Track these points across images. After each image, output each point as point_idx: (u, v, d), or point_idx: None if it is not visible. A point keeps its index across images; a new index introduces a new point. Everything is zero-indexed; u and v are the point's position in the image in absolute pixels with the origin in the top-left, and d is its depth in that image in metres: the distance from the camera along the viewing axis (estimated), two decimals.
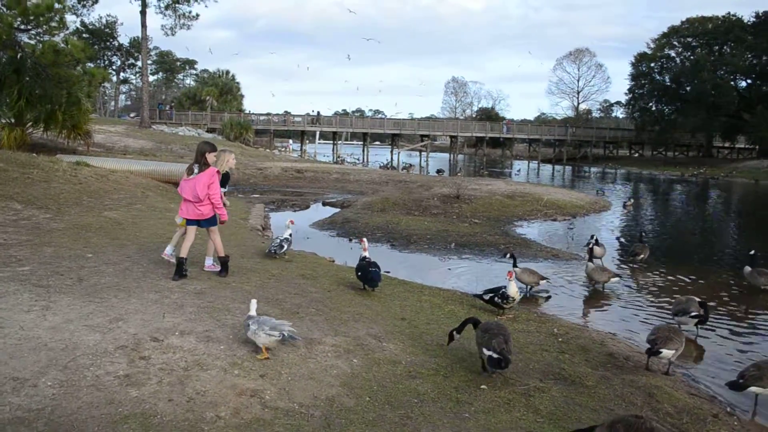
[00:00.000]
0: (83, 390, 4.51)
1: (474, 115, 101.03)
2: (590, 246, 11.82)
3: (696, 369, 7.41)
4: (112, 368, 4.90)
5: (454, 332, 6.23)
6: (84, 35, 68.47)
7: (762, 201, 35.84)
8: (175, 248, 8.26)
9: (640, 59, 75.19)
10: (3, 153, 15.63)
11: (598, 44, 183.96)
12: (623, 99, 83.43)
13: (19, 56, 19.95)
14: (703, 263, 14.26)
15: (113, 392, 4.53)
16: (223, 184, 8.40)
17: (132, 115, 69.07)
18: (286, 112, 68.00)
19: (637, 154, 77.63)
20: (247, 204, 18.47)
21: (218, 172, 7.99)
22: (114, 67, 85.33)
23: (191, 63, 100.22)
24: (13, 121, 20.44)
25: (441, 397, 5.24)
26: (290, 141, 70.04)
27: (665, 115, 73.24)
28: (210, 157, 7.85)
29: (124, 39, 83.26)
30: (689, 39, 71.76)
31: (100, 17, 79.46)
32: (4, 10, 21.25)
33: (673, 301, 9.24)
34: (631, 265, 13.26)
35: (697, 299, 8.43)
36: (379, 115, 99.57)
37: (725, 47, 68.97)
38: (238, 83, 72.12)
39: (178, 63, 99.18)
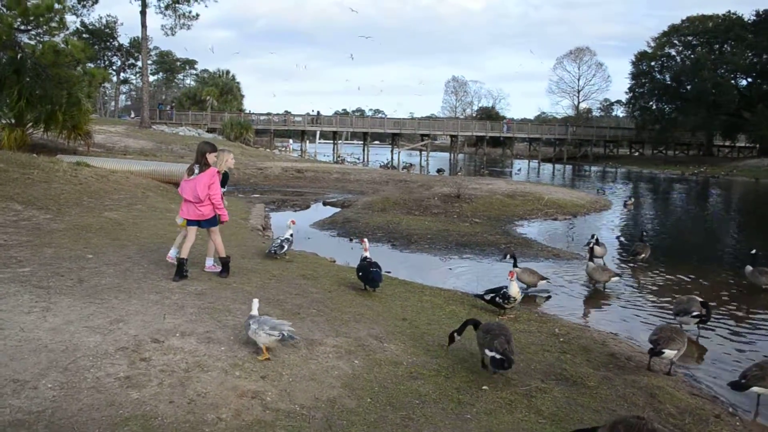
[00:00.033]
0: (84, 392, 4.50)
1: (474, 115, 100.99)
2: (591, 246, 11.80)
3: (697, 369, 7.40)
4: (112, 370, 4.88)
5: (455, 334, 6.21)
6: (84, 35, 68.50)
7: (762, 200, 35.82)
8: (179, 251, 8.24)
9: (641, 58, 75.18)
10: (3, 153, 15.62)
11: (599, 43, 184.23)
12: (623, 98, 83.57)
13: (19, 57, 19.94)
14: (704, 262, 14.24)
15: (114, 394, 4.52)
16: (222, 184, 8.39)
17: (132, 115, 69.08)
18: (286, 111, 68.01)
19: (637, 153, 77.64)
20: (248, 204, 18.46)
21: (219, 172, 7.98)
22: (114, 68, 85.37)
23: (191, 63, 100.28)
24: (13, 121, 20.42)
25: (442, 398, 5.22)
26: (290, 141, 70.02)
27: (665, 114, 73.23)
28: (210, 157, 7.84)
29: (124, 39, 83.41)
30: (690, 37, 71.74)
31: (100, 17, 79.52)
32: (4, 10, 21.24)
33: (674, 300, 9.22)
34: (632, 264, 13.24)
35: (699, 299, 8.41)
36: (380, 115, 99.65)
37: (726, 46, 68.95)
38: (238, 83, 72.20)
39: (178, 63, 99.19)
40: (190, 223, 7.89)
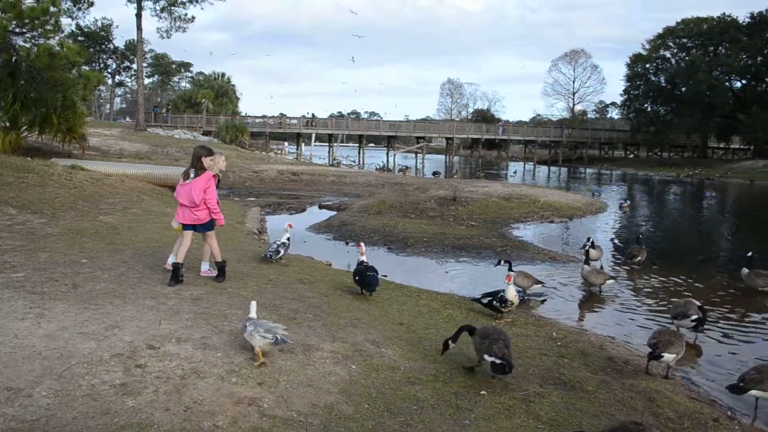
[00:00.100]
0: (78, 400, 4.46)
1: (470, 117, 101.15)
2: (586, 249, 11.79)
3: (694, 372, 7.37)
4: (107, 377, 4.84)
5: (449, 341, 6.13)
6: (79, 38, 68.42)
7: (757, 201, 35.91)
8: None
9: (636, 60, 75.42)
10: None
11: (594, 45, 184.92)
12: (618, 100, 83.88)
13: (14, 59, 19.88)
14: (700, 265, 14.25)
15: (109, 402, 4.47)
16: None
17: (127, 119, 68.98)
18: (281, 114, 67.99)
19: (632, 155, 77.81)
20: (243, 207, 18.40)
21: (215, 176, 7.94)
22: (109, 70, 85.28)
23: (186, 65, 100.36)
24: (7, 124, 20.36)
25: (440, 404, 5.19)
26: (285, 143, 70.05)
27: (660, 116, 73.48)
28: (206, 161, 7.81)
29: (119, 42, 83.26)
30: (684, 40, 71.98)
31: (96, 20, 79.50)
32: (0, 13, 21.17)
33: (671, 304, 9.21)
34: (628, 267, 13.23)
35: (696, 302, 8.40)
36: (375, 117, 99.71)
37: (720, 48, 69.20)
38: (233, 86, 72.14)
39: (174, 66, 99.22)
40: (185, 227, 7.86)
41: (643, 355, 7.01)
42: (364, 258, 8.52)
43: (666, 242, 18.26)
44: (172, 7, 47.50)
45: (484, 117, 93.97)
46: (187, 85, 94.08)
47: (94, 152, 27.77)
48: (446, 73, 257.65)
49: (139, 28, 45.08)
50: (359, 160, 60.00)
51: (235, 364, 5.33)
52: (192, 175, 7.75)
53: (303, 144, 63.67)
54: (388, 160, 57.80)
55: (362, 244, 9.28)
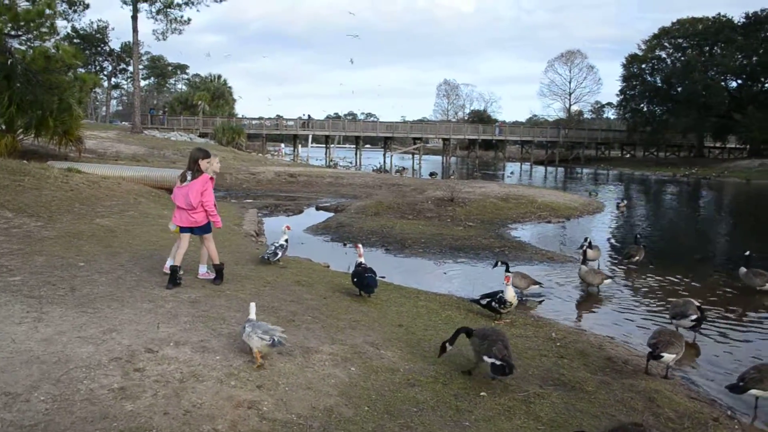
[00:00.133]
0: (77, 404, 4.43)
1: (466, 118, 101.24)
2: (584, 249, 11.79)
3: (694, 372, 7.37)
4: (106, 381, 4.81)
5: (446, 344, 6.09)
6: (75, 40, 68.23)
7: (754, 201, 35.98)
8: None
9: (632, 60, 75.59)
10: None
11: (590, 46, 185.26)
12: (615, 100, 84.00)
13: (9, 62, 19.84)
14: (698, 264, 14.26)
15: (108, 406, 4.45)
16: None
17: (125, 123, 68.85)
18: (278, 116, 67.93)
19: (629, 155, 78.00)
20: (241, 209, 18.36)
21: (212, 178, 7.92)
22: (105, 73, 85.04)
23: (183, 68, 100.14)
24: (3, 127, 20.30)
25: (440, 406, 5.18)
26: (282, 145, 69.94)
27: (657, 116, 73.71)
28: (203, 163, 7.79)
29: (115, 44, 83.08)
30: (680, 40, 72.16)
31: (91, 22, 79.20)
32: None
33: (670, 303, 9.21)
34: (626, 266, 13.24)
35: (695, 301, 8.40)
36: (372, 118, 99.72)
37: (716, 48, 69.35)
38: (230, 88, 71.96)
39: (170, 68, 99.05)
40: (183, 230, 7.83)
41: (642, 354, 7.01)
42: (362, 260, 8.50)
43: (663, 242, 18.28)
44: (168, 9, 47.51)
45: (480, 118, 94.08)
46: (184, 87, 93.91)
47: (91, 155, 27.72)
48: (442, 74, 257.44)
49: (134, 30, 45.08)
50: (356, 162, 60.00)
51: (234, 367, 5.31)
52: (189, 178, 7.73)
53: (300, 145, 63.62)
54: (385, 162, 57.77)
55: (360, 245, 9.27)
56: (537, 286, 10.08)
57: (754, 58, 65.47)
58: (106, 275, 7.89)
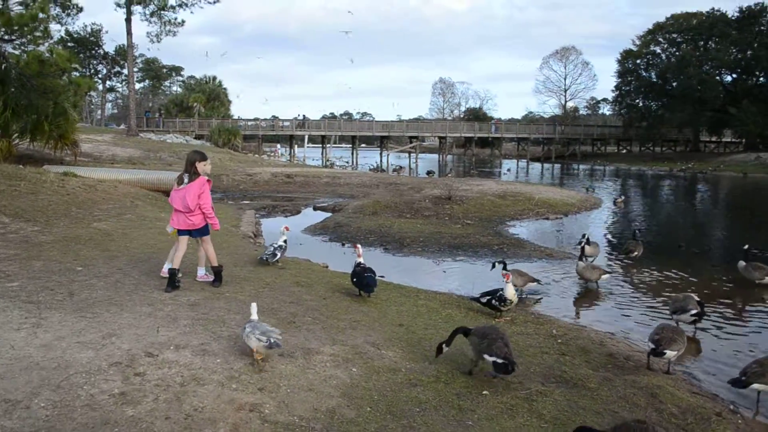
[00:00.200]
0: (77, 410, 4.40)
1: (462, 116, 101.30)
2: (582, 245, 11.79)
3: (695, 366, 7.35)
4: (106, 386, 4.78)
5: (443, 345, 6.04)
6: (69, 44, 68.20)
7: (751, 194, 36.03)
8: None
9: (626, 56, 75.76)
10: None
11: (584, 42, 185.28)
12: (610, 96, 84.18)
13: (3, 67, 19.77)
14: (697, 258, 14.26)
15: (108, 411, 4.42)
16: None
17: (122, 126, 68.76)
18: (274, 116, 67.90)
19: (625, 151, 78.15)
20: (238, 211, 18.32)
21: (209, 180, 7.89)
22: (100, 76, 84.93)
23: (177, 70, 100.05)
24: None
25: (443, 405, 5.16)
26: (278, 146, 69.91)
27: (652, 111, 73.89)
28: (200, 166, 7.76)
29: (109, 47, 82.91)
30: (674, 35, 72.35)
31: (85, 26, 79.27)
32: None
33: (670, 298, 9.20)
34: (624, 262, 13.24)
35: (695, 296, 8.39)
36: (368, 118, 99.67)
37: (710, 42, 69.56)
38: (225, 89, 71.87)
39: (165, 70, 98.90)
40: (180, 232, 7.80)
41: (644, 350, 6.99)
42: (361, 260, 8.47)
43: (662, 237, 18.29)
44: (162, 12, 47.32)
45: (476, 115, 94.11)
46: (179, 89, 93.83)
47: (87, 158, 27.64)
48: (438, 73, 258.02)
49: (129, 32, 44.93)
50: (353, 161, 59.97)
51: (235, 370, 5.28)
52: (186, 180, 7.70)
53: (296, 146, 63.57)
54: (381, 161, 57.75)
55: (359, 245, 9.24)
56: (535, 283, 10.07)
57: (749, 52, 65.71)
58: (104, 279, 7.86)
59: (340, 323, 6.98)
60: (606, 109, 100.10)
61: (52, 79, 21.79)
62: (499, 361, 5.55)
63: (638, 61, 75.27)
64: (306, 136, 64.29)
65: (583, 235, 12.37)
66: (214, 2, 47.82)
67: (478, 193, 21.69)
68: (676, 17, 72.32)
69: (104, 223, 12.43)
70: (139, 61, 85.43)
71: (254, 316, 5.59)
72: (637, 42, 76.73)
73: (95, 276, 8.00)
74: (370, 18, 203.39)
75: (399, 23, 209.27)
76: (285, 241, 9.78)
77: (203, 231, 7.88)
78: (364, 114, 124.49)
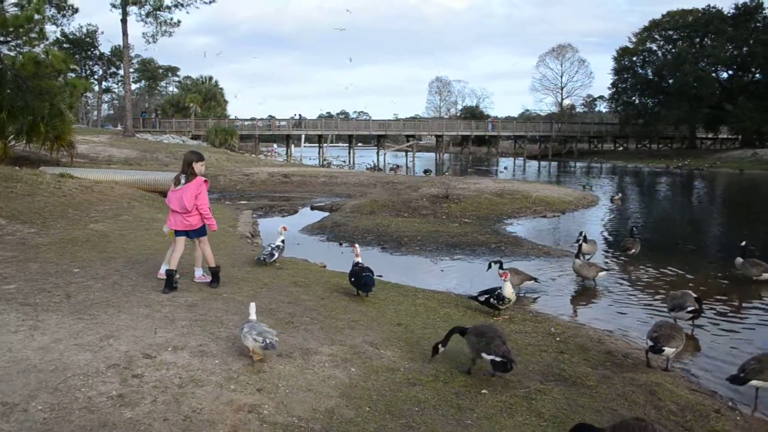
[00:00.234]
0: (75, 413, 4.38)
1: (459, 114, 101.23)
2: (579, 243, 11.80)
3: (693, 363, 7.36)
4: (104, 388, 4.77)
5: (439, 345, 6.03)
6: (65, 45, 67.95)
7: (747, 191, 36.08)
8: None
9: (623, 53, 75.78)
10: None
11: (581, 40, 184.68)
12: (606, 93, 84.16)
13: None
14: (694, 255, 14.28)
15: (107, 414, 4.40)
16: None
17: (118, 127, 68.64)
18: (270, 116, 67.84)
19: (621, 148, 78.16)
20: (235, 211, 18.28)
21: (206, 181, 7.87)
22: (96, 77, 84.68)
23: (173, 70, 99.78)
24: None
25: (442, 404, 5.15)
26: (275, 145, 69.90)
27: (648, 108, 73.97)
28: (197, 166, 7.74)
29: (105, 48, 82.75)
30: (670, 32, 72.41)
31: (81, 27, 78.93)
32: None
33: (668, 295, 9.20)
34: (622, 259, 13.25)
35: (692, 293, 8.40)
36: (364, 116, 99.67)
37: (706, 39, 69.60)
38: (221, 89, 71.82)
39: (161, 70, 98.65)
40: (178, 233, 7.79)
41: (643, 348, 7.00)
42: (359, 259, 8.46)
43: (659, 234, 18.31)
44: (158, 12, 47.25)
45: (473, 114, 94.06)
46: (175, 89, 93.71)
47: (83, 159, 27.57)
48: (434, 71, 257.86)
49: (124, 33, 44.86)
50: (350, 160, 59.96)
51: (234, 371, 5.27)
52: (183, 181, 7.69)
53: (293, 145, 63.53)
54: (378, 160, 57.73)
55: (357, 245, 9.22)
56: (532, 281, 10.05)
57: (745, 49, 65.76)
58: (101, 281, 7.84)
59: (339, 323, 6.97)
60: (602, 107, 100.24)
61: (48, 81, 21.70)
62: (498, 359, 5.55)
63: (634, 59, 75.29)
64: (303, 136, 64.28)
65: (581, 233, 12.36)
66: (210, 2, 47.71)
67: (475, 192, 21.70)
68: (672, 14, 72.37)
69: (101, 225, 12.40)
70: (135, 61, 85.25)
71: (253, 316, 5.59)
72: (634, 39, 76.84)
73: (92, 278, 7.98)
74: (368, 17, 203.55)
75: (397, 22, 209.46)
76: (282, 241, 9.76)
77: (201, 232, 7.87)
78: (361, 113, 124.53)
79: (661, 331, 6.42)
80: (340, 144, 79.71)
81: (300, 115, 63.97)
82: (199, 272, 8.29)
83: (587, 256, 12.42)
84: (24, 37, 21.71)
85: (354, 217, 17.87)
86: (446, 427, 4.77)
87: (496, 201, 20.72)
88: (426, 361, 6.06)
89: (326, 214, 19.34)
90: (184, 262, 8.30)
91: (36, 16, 21.30)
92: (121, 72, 66.20)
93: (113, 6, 44.73)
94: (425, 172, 42.64)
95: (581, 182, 35.11)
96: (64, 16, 57.12)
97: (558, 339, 7.33)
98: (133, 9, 45.73)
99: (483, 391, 5.49)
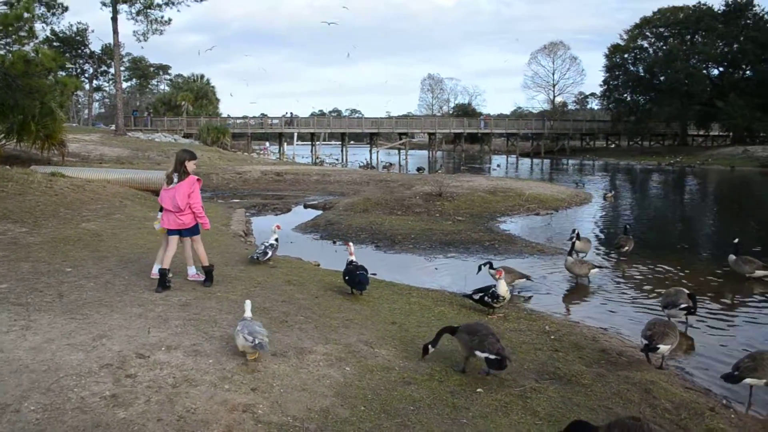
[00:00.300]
0: (68, 413, 4.34)
1: (451, 112, 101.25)
2: (572, 241, 11.81)
3: (687, 361, 7.37)
4: (97, 388, 4.73)
5: (429, 346, 6.00)
6: (55, 44, 67.49)
7: (738, 188, 36.24)
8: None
9: (614, 51, 75.99)
10: None
11: (572, 37, 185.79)
12: (598, 90, 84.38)
13: None
14: (687, 253, 14.33)
15: (100, 414, 4.37)
16: None
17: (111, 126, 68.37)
18: (262, 114, 67.69)
19: (613, 145, 78.32)
20: (228, 209, 18.22)
21: (199, 180, 7.83)
22: (86, 75, 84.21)
23: (165, 68, 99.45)
24: None
25: (437, 403, 5.14)
26: (267, 143, 69.74)
27: (640, 105, 74.18)
28: (190, 165, 7.70)
29: (95, 46, 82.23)
30: (661, 29, 72.61)
31: (71, 25, 78.48)
32: None
33: (661, 292, 9.23)
34: (616, 257, 13.27)
35: (686, 290, 8.42)
36: (357, 114, 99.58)
37: (697, 36, 69.86)
38: (213, 87, 71.67)
39: (152, 69, 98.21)
40: (170, 232, 7.74)
41: (637, 346, 7.01)
42: (353, 258, 8.44)
43: (652, 231, 18.35)
44: (148, 10, 47.02)
45: (465, 111, 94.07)
46: (166, 87, 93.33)
47: (74, 158, 27.44)
48: (426, 69, 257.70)
49: (115, 31, 44.63)
50: (342, 158, 59.89)
51: (228, 370, 5.24)
52: (176, 180, 7.64)
53: (285, 143, 63.40)
54: (371, 158, 57.68)
55: (351, 244, 9.21)
56: (523, 279, 10.04)
57: (735, 46, 66.02)
58: (94, 280, 7.79)
59: (333, 322, 6.95)
60: (594, 104, 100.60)
61: (38, 79, 21.52)
62: (492, 356, 5.54)
63: (626, 56, 75.50)
64: (295, 134, 64.15)
65: (574, 231, 12.38)
66: (201, 0, 47.48)
67: (468, 190, 21.70)
68: (663, 11, 72.59)
69: (93, 224, 12.33)
70: (125, 59, 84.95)
71: (248, 314, 5.56)
72: (625, 36, 77.04)
73: (85, 277, 7.92)
74: (357, 14, 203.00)
75: (387, 19, 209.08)
76: (276, 240, 9.73)
77: (194, 230, 7.83)
78: (353, 111, 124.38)
79: (655, 329, 6.43)
80: (333, 142, 79.67)
81: (291, 113, 63.92)
82: (192, 270, 8.25)
83: (581, 254, 12.44)
84: (13, 36, 21.56)
85: (347, 215, 17.84)
86: (441, 425, 4.76)
87: (490, 199, 20.73)
88: (422, 360, 6.04)
89: (319, 212, 19.30)
90: (177, 261, 8.26)
91: (25, 14, 21.14)
92: (112, 70, 65.84)
93: (103, 4, 44.58)
94: (418, 170, 42.63)
95: (574, 179, 35.18)
96: (54, 14, 56.98)
97: (552, 337, 7.33)
98: (123, 7, 45.55)
99: (478, 390, 5.48)
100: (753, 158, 51.64)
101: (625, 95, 76.75)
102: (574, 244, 11.69)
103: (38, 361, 5.11)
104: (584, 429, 3.97)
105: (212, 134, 49.21)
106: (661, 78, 69.78)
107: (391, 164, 50.29)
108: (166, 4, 47.11)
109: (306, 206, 21.09)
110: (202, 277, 8.06)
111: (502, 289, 8.01)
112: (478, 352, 5.67)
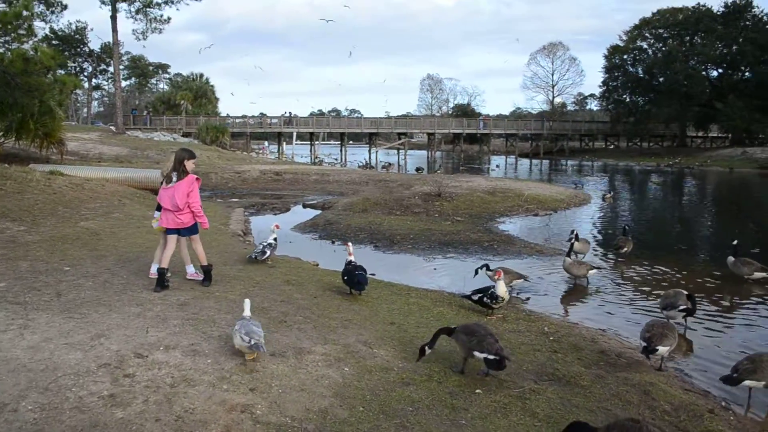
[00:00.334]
0: (66, 413, 4.33)
1: (450, 112, 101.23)
2: (571, 242, 11.80)
3: (686, 363, 7.37)
4: (95, 388, 4.71)
5: (425, 347, 5.96)
6: (54, 42, 67.39)
7: (737, 189, 36.26)
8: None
9: (613, 51, 75.98)
10: None
11: (572, 38, 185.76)
12: (597, 91, 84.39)
13: None
14: (686, 254, 14.33)
15: (98, 414, 4.35)
16: None
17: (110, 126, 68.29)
18: (261, 114, 67.67)
19: (612, 146, 78.35)
20: (227, 209, 18.21)
21: (198, 179, 7.82)
22: (85, 74, 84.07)
23: (164, 67, 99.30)
24: None
25: (436, 404, 5.13)
26: (266, 143, 69.70)
27: (639, 107, 74.18)
28: (189, 164, 7.69)
29: (94, 45, 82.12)
30: (660, 30, 72.64)
31: (70, 23, 78.34)
32: None
33: (660, 294, 9.22)
34: (614, 258, 13.27)
35: (685, 292, 8.41)
36: (356, 114, 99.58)
37: (696, 37, 69.83)
38: (212, 86, 71.56)
39: (151, 67, 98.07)
40: (169, 231, 7.73)
41: (636, 347, 7.00)
42: (352, 258, 8.43)
43: (651, 232, 18.35)
44: (148, 9, 47.02)
45: (464, 112, 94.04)
46: (165, 86, 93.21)
47: (73, 157, 27.42)
48: (425, 69, 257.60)
49: (114, 30, 44.65)
50: (341, 158, 59.87)
51: (226, 370, 5.23)
52: (174, 179, 7.63)
53: (284, 143, 63.38)
54: (370, 157, 57.67)
55: (350, 244, 9.20)
56: (521, 280, 10.02)
57: (734, 47, 66.03)
58: (92, 279, 7.77)
59: (332, 322, 6.94)
60: (593, 105, 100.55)
61: (37, 77, 21.53)
62: (491, 357, 5.53)
63: (625, 57, 75.51)
64: (294, 134, 64.13)
65: (572, 232, 12.37)
66: None
67: (467, 190, 21.69)
68: (662, 12, 72.61)
69: (91, 222, 12.31)
70: (124, 58, 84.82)
71: (247, 312, 5.55)
72: (624, 37, 77.06)
73: (83, 276, 7.91)
74: (356, 14, 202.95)
75: (386, 19, 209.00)
76: (275, 239, 9.72)
77: (192, 230, 7.82)
78: (353, 111, 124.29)
79: (654, 330, 6.41)
80: (332, 142, 79.64)
81: (290, 112, 63.88)
82: (190, 269, 8.24)
83: (579, 255, 12.44)
84: (12, 34, 21.56)
85: (346, 215, 17.83)
86: (440, 426, 4.75)
87: (488, 199, 20.72)
88: (421, 361, 6.02)
89: (318, 212, 19.29)
90: (175, 261, 8.24)
91: (24, 13, 21.17)
92: (111, 69, 65.65)
93: (103, 3, 44.58)
94: (417, 170, 42.60)
95: (573, 180, 35.18)
96: (53, 12, 56.93)
97: (551, 338, 7.32)
98: (122, 6, 45.60)
99: (477, 391, 5.47)
100: (752, 160, 51.70)
101: (625, 96, 76.76)
102: (572, 244, 11.68)
103: (36, 361, 5.09)
104: (583, 430, 3.96)
105: (211, 133, 49.18)
106: (661, 79, 69.82)
107: (390, 164, 50.26)
108: (165, 2, 47.20)
109: (305, 206, 21.08)
110: (200, 277, 8.05)
111: (501, 289, 8.00)
112: (476, 353, 5.66)
